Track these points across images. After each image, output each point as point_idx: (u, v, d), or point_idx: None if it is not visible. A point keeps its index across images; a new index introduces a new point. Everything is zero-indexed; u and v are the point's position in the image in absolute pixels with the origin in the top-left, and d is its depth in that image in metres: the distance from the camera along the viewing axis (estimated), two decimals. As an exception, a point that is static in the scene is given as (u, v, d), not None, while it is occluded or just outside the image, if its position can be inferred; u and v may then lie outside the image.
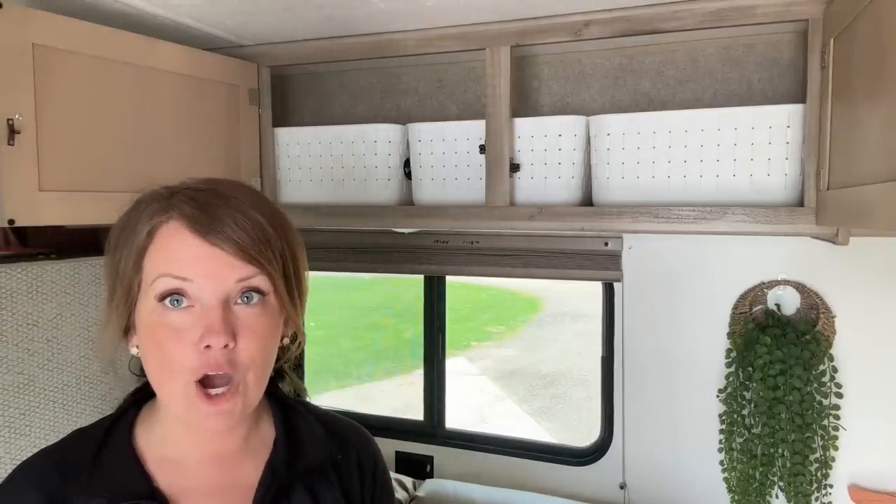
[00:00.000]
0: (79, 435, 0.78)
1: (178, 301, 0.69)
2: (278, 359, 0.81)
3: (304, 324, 0.84)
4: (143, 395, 0.81)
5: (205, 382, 0.69)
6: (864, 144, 0.95)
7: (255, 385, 0.73)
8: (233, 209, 0.72)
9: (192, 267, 0.69)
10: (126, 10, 1.30)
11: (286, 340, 0.82)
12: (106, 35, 1.25)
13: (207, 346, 0.68)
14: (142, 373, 0.80)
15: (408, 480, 1.78)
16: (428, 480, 1.81)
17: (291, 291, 0.77)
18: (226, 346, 0.68)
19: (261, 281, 0.72)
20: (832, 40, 1.12)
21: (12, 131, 1.08)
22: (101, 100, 1.25)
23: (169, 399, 0.73)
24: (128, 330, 0.76)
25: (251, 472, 0.78)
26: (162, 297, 0.69)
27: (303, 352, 2.21)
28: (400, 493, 1.72)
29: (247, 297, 0.71)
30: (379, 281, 10.65)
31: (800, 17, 1.20)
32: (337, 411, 0.96)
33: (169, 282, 0.69)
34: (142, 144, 1.33)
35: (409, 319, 8.87)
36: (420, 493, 1.74)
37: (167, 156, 1.38)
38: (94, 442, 0.75)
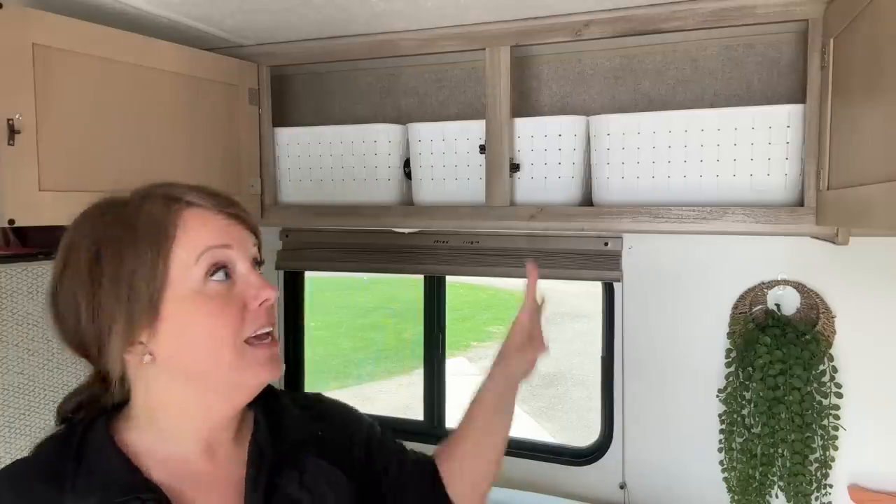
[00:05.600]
0: (53, 440, 0.76)
1: (224, 273, 0.74)
2: None
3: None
4: (102, 407, 0.79)
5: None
6: (864, 144, 0.95)
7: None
8: (220, 193, 0.79)
9: (227, 235, 0.75)
10: (126, 10, 1.30)
11: None
12: (106, 35, 1.25)
13: (263, 303, 0.75)
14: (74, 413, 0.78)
15: (408, 480, 1.78)
16: (428, 480, 1.81)
17: None
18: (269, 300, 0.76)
19: (257, 251, 0.80)
20: (832, 40, 1.12)
21: (12, 131, 1.08)
22: (101, 100, 1.25)
23: (220, 368, 0.74)
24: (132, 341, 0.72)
25: (243, 460, 0.79)
26: (212, 270, 0.73)
27: (303, 352, 2.22)
28: (400, 493, 1.72)
29: (255, 266, 0.79)
30: (379, 281, 10.65)
31: (800, 17, 1.20)
32: None
33: (215, 252, 0.74)
34: (142, 144, 1.33)
35: (409, 319, 8.87)
36: (420, 493, 1.74)
37: (167, 156, 1.38)
38: (73, 444, 0.73)
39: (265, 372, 0.76)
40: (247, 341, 0.74)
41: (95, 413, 0.78)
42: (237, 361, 0.73)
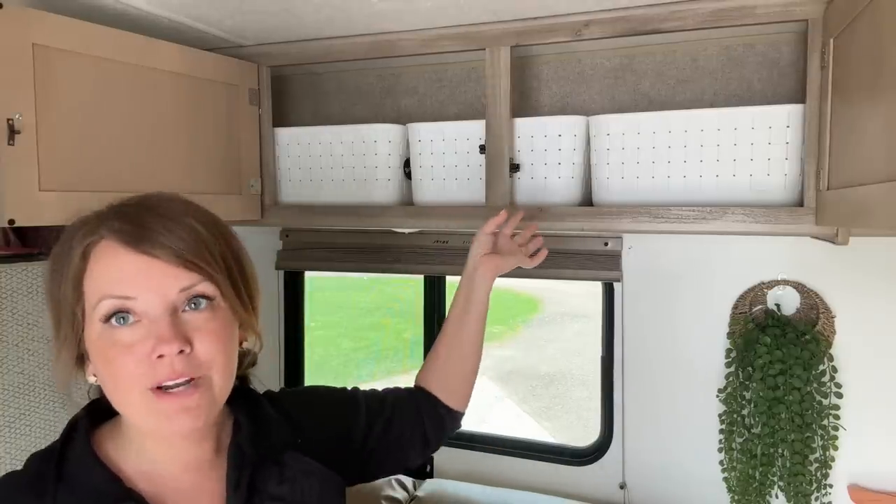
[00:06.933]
0: (35, 455, 0.76)
1: (124, 318, 0.69)
2: (240, 365, 0.81)
3: (258, 325, 0.82)
4: (93, 410, 0.80)
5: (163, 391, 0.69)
6: (864, 144, 0.95)
7: (220, 383, 0.72)
8: (163, 217, 0.71)
9: (132, 284, 0.68)
10: (126, 10, 1.30)
11: (246, 345, 0.82)
12: (106, 35, 1.25)
13: (160, 357, 0.67)
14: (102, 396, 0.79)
15: (408, 480, 1.78)
16: (428, 480, 1.81)
17: (240, 294, 0.76)
18: (181, 351, 0.68)
19: (205, 287, 0.71)
20: (832, 40, 1.12)
21: (12, 131, 1.08)
22: (101, 100, 1.25)
23: (132, 415, 0.72)
24: (82, 359, 0.74)
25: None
26: (107, 318, 0.69)
27: (303, 352, 2.22)
28: (400, 493, 1.72)
29: (194, 304, 0.71)
30: (379, 281, 10.65)
31: (800, 17, 1.20)
32: None
33: (112, 303, 0.68)
34: (142, 144, 1.33)
35: (409, 319, 8.86)
36: (420, 493, 1.74)
37: (167, 156, 1.38)
38: (53, 457, 0.73)
39: (171, 425, 0.69)
40: (154, 390, 0.68)
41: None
42: (144, 409, 0.69)
